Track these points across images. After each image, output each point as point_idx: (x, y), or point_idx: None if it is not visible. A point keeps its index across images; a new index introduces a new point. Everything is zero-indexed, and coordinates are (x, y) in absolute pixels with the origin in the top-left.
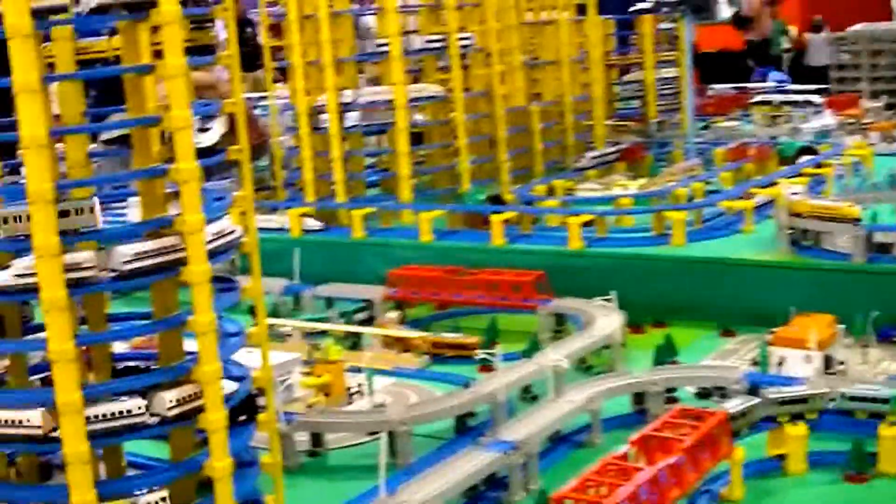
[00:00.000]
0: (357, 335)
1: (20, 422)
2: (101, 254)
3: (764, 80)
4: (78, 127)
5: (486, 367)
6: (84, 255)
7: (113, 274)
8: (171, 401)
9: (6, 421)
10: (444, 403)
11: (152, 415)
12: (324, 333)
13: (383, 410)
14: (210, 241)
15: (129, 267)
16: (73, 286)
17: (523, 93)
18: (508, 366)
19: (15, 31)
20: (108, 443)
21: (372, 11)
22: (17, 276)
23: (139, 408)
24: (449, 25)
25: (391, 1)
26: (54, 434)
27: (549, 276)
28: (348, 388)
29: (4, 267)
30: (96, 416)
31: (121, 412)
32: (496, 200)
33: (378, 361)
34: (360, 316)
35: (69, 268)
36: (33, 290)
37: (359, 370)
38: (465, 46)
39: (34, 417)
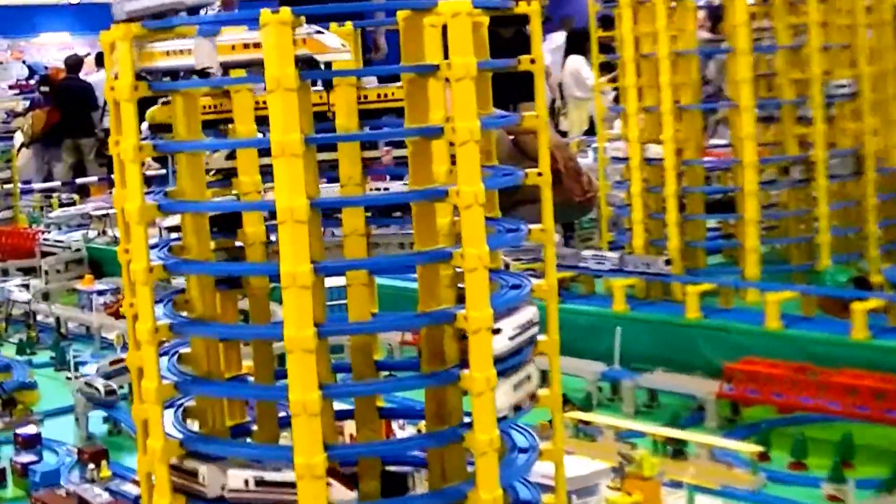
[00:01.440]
0: (682, 441)
1: None
2: None
3: None
4: (347, 199)
5: (835, 496)
6: None
7: None
8: None
9: None
10: None
11: None
12: (641, 435)
13: None
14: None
15: None
16: None
17: None
18: (864, 500)
19: (276, 83)
20: None
21: (722, 51)
22: (511, 338)
23: None
24: (812, 70)
25: (744, 41)
26: None
27: None
28: None
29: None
30: None
31: None
32: (861, 283)
33: (703, 476)
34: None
35: None
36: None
37: (679, 485)
38: (832, 95)
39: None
